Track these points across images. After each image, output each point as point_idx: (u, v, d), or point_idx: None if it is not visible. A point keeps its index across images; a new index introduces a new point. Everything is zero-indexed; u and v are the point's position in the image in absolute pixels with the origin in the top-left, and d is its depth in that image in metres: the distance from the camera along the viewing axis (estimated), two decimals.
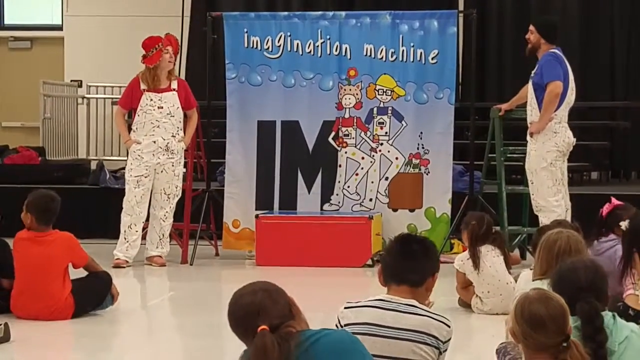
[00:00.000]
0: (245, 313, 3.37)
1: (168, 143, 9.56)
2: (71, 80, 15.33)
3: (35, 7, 15.93)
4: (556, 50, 9.07)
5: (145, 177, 9.53)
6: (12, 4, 15.85)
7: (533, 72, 9.11)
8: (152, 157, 9.53)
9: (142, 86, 9.55)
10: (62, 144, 14.68)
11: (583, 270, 4.00)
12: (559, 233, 4.95)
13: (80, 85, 15.17)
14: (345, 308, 4.08)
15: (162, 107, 9.52)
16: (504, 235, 7.17)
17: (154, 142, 9.52)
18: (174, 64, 9.78)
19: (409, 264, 4.05)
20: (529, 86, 9.12)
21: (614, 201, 6.76)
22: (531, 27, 9.20)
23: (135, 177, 9.53)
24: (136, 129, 9.58)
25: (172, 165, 9.61)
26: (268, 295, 3.40)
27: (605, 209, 6.73)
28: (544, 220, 8.84)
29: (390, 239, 4.23)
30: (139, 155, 9.53)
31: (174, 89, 9.63)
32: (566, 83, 8.99)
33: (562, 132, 8.98)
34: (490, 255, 7.33)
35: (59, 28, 15.62)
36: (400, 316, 3.97)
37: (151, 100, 9.51)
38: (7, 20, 15.88)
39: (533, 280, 5.00)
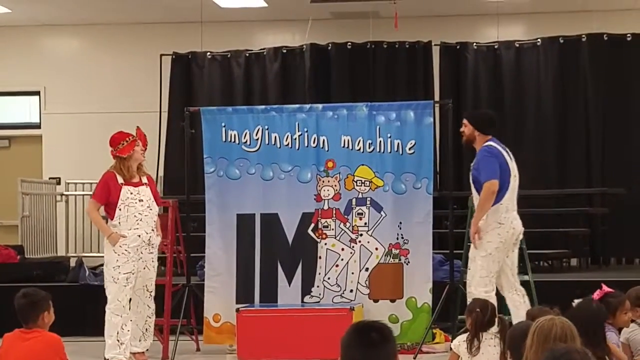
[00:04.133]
0: None
1: (150, 237, 9.41)
2: (49, 178, 15.34)
3: (13, 105, 16.00)
4: (491, 143, 9.02)
5: (133, 274, 9.24)
6: None
7: (472, 164, 9.16)
8: (136, 252, 9.29)
9: (119, 180, 9.35)
10: (41, 241, 14.63)
11: (577, 355, 3.98)
12: (551, 320, 4.90)
13: (58, 183, 15.18)
14: None
15: (142, 200, 9.37)
16: (507, 323, 7.10)
17: (139, 236, 9.29)
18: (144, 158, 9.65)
19: (370, 354, 4.00)
20: (470, 178, 9.13)
21: (605, 288, 6.70)
22: (464, 121, 9.24)
23: (125, 274, 9.19)
24: (119, 223, 9.28)
25: (153, 261, 9.50)
26: None
27: (596, 296, 6.67)
28: None
29: (345, 334, 4.04)
30: (125, 251, 9.22)
31: (145, 184, 9.53)
32: (506, 173, 8.93)
33: (507, 223, 8.88)
34: (487, 343, 7.28)
35: (37, 126, 15.69)
36: None
37: (131, 193, 9.32)
38: None
39: None
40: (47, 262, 13.37)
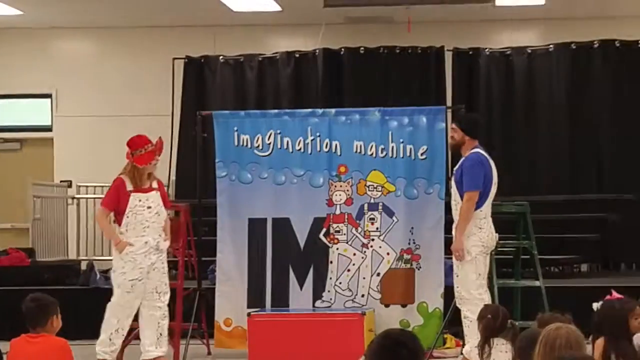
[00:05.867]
0: None
1: (158, 242, 9.44)
2: (61, 181, 15.35)
3: (25, 107, 16.02)
4: (479, 150, 9.19)
5: (139, 280, 9.29)
6: (1, 105, 15.94)
7: (455, 169, 9.28)
8: (145, 259, 9.31)
9: (128, 187, 9.36)
10: (52, 244, 14.64)
11: None
12: (558, 329, 4.91)
13: (70, 186, 15.18)
14: None
15: (150, 207, 9.40)
16: (518, 328, 7.11)
17: (146, 242, 9.33)
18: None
19: None
20: (452, 183, 9.22)
21: (615, 294, 6.68)
22: (453, 126, 9.37)
23: (130, 281, 9.28)
24: (126, 230, 9.32)
25: (162, 263, 9.51)
26: None
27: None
28: (467, 313, 8.97)
29: (374, 343, 3.94)
30: (132, 258, 9.28)
31: (155, 189, 9.56)
32: (488, 180, 9.09)
33: (486, 228, 9.09)
34: (499, 349, 7.27)
35: (49, 129, 15.70)
36: None
37: (139, 201, 9.35)
38: None
39: None
40: (58, 265, 13.38)
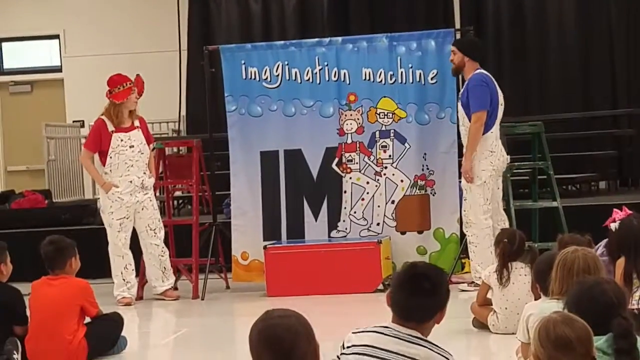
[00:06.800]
0: (281, 336, 3.30)
1: (143, 180, 9.59)
2: (73, 121, 15.36)
3: (33, 49, 15.98)
4: (481, 70, 9.15)
5: (127, 218, 9.54)
6: (11, 48, 15.89)
7: (460, 93, 9.24)
8: (131, 197, 9.52)
9: (110, 127, 9.51)
10: (67, 185, 14.71)
11: (610, 287, 4.00)
12: (574, 252, 4.91)
13: (82, 125, 15.22)
14: (352, 333, 4.07)
15: (133, 146, 9.55)
16: (537, 251, 7.11)
17: (130, 181, 9.52)
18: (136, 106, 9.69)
19: (419, 303, 3.96)
20: (459, 106, 9.17)
21: (625, 210, 6.65)
22: (453, 49, 9.33)
23: (118, 219, 9.52)
24: (110, 170, 9.52)
25: (150, 201, 9.65)
26: (306, 332, 3.35)
27: (617, 218, 6.62)
28: (472, 238, 9.06)
29: (399, 271, 4.11)
30: (118, 197, 9.50)
31: (137, 127, 9.62)
32: (495, 100, 9.05)
33: (497, 150, 9.08)
34: (518, 272, 7.28)
35: (58, 70, 15.66)
36: (401, 343, 3.94)
37: (121, 140, 9.50)
38: (7, 65, 15.93)
39: (550, 300, 4.96)
40: (75, 205, 13.44)
